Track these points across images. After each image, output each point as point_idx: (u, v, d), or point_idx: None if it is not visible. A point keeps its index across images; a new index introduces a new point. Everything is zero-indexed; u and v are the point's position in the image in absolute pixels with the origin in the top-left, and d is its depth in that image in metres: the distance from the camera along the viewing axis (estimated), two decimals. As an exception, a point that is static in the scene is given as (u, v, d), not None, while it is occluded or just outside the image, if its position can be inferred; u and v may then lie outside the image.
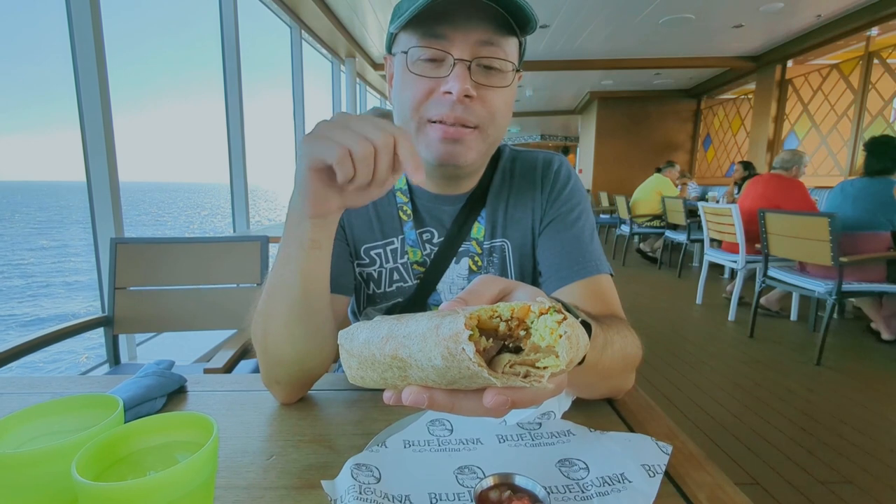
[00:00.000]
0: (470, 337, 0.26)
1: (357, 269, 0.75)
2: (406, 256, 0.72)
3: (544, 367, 0.27)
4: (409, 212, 0.72)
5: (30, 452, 0.34)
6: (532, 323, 0.28)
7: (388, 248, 0.73)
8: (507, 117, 0.64)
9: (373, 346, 0.31)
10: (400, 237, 0.73)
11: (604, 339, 0.46)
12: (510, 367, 0.27)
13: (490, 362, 0.27)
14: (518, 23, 0.58)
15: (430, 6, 0.54)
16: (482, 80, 0.59)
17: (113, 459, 0.36)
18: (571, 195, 0.74)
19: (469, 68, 0.58)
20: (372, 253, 0.73)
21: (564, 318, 0.27)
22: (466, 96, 0.58)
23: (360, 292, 0.76)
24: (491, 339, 0.28)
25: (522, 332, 0.28)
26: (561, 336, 0.27)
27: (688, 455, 0.50)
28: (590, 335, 0.41)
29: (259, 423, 0.58)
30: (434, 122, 0.60)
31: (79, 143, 1.98)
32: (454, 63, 0.57)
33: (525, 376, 0.27)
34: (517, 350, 0.28)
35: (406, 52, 0.59)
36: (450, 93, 0.57)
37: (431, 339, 0.27)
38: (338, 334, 0.36)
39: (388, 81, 0.69)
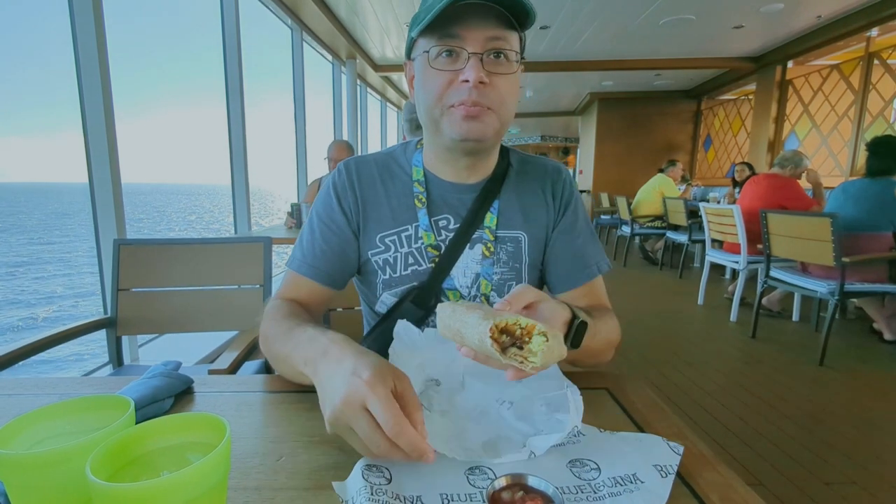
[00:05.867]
0: (491, 336, 0.45)
1: (373, 258, 0.79)
2: (420, 241, 0.78)
3: (532, 363, 0.45)
4: (424, 199, 0.78)
5: (45, 453, 0.34)
6: (535, 334, 0.46)
7: (403, 235, 0.78)
8: (515, 102, 0.73)
9: (452, 320, 0.50)
10: (414, 224, 0.78)
11: (594, 329, 0.63)
12: (514, 356, 0.45)
13: (505, 349, 0.46)
14: (519, 19, 0.67)
15: (445, 12, 0.63)
16: (492, 68, 0.68)
17: (126, 460, 0.36)
18: (576, 204, 0.85)
19: (481, 59, 0.66)
20: (387, 240, 0.79)
21: (547, 340, 0.45)
22: (481, 82, 0.66)
23: (377, 278, 0.80)
24: (508, 337, 0.46)
25: (527, 339, 0.46)
26: (540, 350, 0.45)
27: (698, 455, 0.50)
28: (586, 329, 0.60)
29: (267, 424, 0.58)
30: (455, 106, 0.68)
31: (78, 145, 1.98)
32: (469, 56, 0.66)
33: (521, 362, 0.45)
34: (521, 347, 0.46)
35: (427, 52, 0.68)
36: (467, 81, 0.66)
37: (476, 329, 0.46)
38: (438, 306, 0.54)
39: (409, 83, 0.77)
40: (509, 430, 0.54)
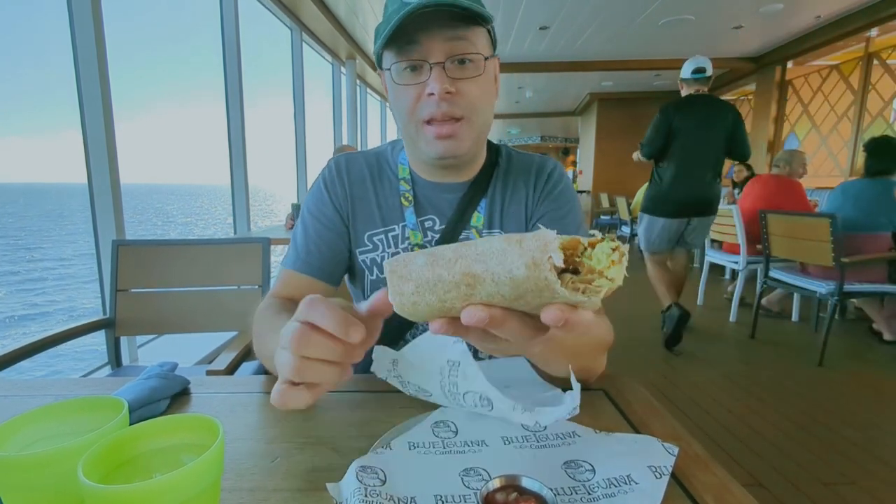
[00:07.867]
0: (564, 251, 0.30)
1: (360, 257, 0.78)
2: (407, 241, 0.77)
3: (599, 286, 0.31)
4: (411, 198, 0.78)
5: (37, 454, 0.34)
6: (583, 253, 0.32)
7: (390, 235, 0.78)
8: (489, 102, 0.71)
9: (439, 266, 0.34)
10: (401, 224, 0.77)
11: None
12: (572, 284, 0.31)
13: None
14: (476, 16, 0.64)
15: (402, 26, 0.62)
16: (458, 74, 0.66)
17: (119, 461, 0.36)
18: (562, 194, 0.80)
19: (444, 68, 0.65)
20: (374, 239, 0.78)
21: (618, 248, 0.32)
22: (448, 93, 0.65)
23: (364, 278, 0.79)
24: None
25: (577, 259, 0.32)
26: (614, 263, 0.31)
27: (693, 456, 0.50)
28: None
29: (263, 425, 0.58)
30: (428, 122, 0.67)
31: (78, 146, 1.98)
32: (431, 68, 0.65)
33: (583, 292, 0.31)
34: (576, 272, 0.32)
35: (390, 69, 0.68)
36: (433, 94, 0.65)
37: (514, 252, 0.31)
38: (384, 264, 0.38)
39: (386, 93, 0.75)
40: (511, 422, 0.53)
